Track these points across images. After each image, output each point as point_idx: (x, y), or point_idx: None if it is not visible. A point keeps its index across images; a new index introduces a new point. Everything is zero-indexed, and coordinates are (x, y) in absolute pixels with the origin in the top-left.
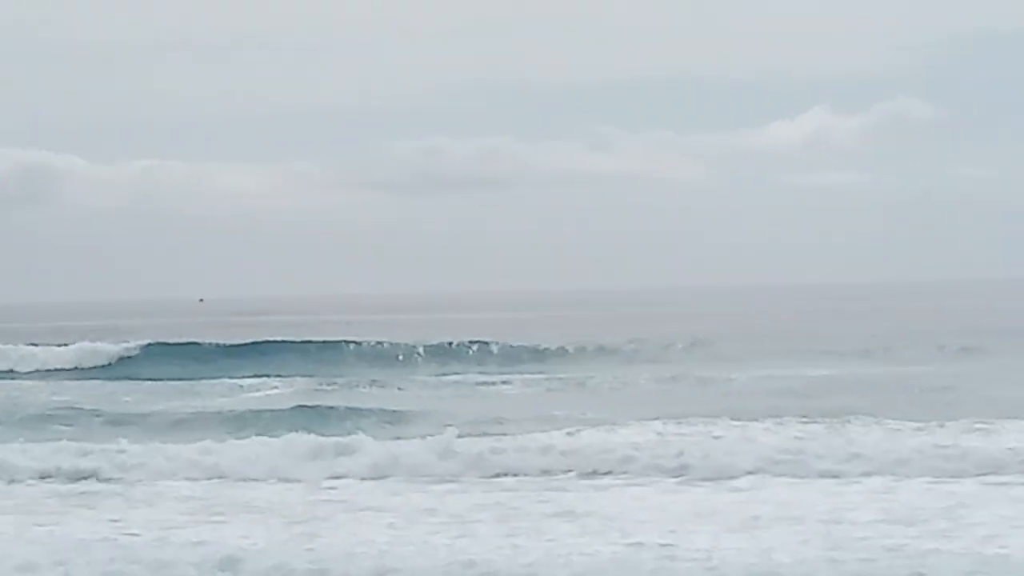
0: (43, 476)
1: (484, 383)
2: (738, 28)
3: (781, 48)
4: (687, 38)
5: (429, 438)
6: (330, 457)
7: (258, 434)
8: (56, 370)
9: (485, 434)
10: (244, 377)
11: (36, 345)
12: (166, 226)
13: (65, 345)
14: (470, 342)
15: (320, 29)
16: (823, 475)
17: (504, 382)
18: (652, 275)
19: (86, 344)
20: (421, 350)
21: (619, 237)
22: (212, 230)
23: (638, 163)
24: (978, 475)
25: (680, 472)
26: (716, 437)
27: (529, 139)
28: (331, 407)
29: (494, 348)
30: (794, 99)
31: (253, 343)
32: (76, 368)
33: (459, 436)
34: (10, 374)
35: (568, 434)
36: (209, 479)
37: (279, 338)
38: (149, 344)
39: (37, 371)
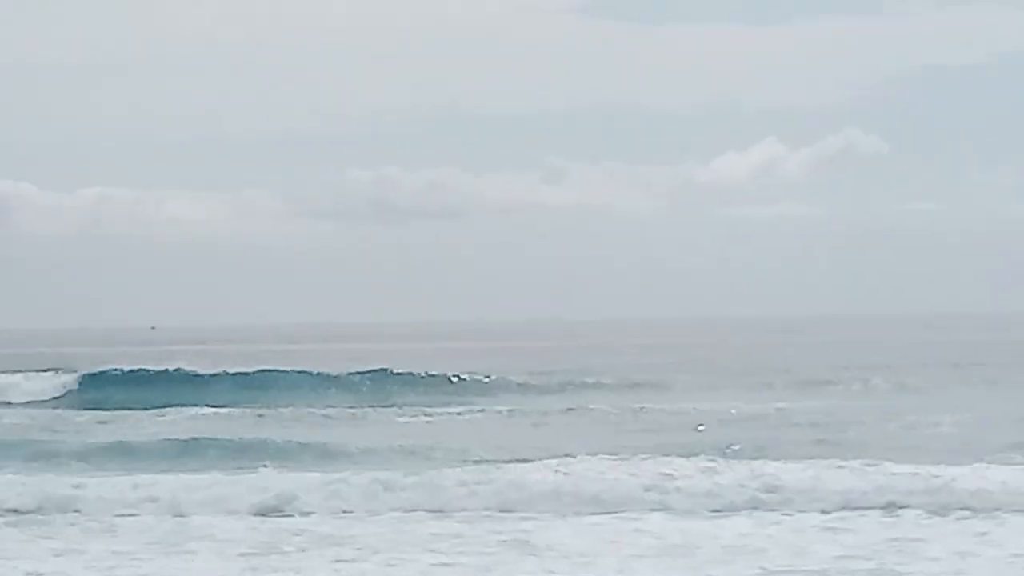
0: None
1: (416, 415)
2: (689, 60)
3: (731, 80)
4: (638, 69)
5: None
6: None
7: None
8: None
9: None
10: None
11: None
12: (117, 254)
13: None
14: (404, 373)
15: (271, 57)
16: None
17: (428, 414)
18: (601, 305)
19: (31, 373)
20: (359, 380)
21: (569, 267)
22: (163, 258)
23: (589, 194)
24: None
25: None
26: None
27: (480, 169)
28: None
29: (431, 378)
30: (744, 131)
31: (194, 374)
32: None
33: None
34: None
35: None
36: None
37: (218, 369)
38: (92, 373)
39: None
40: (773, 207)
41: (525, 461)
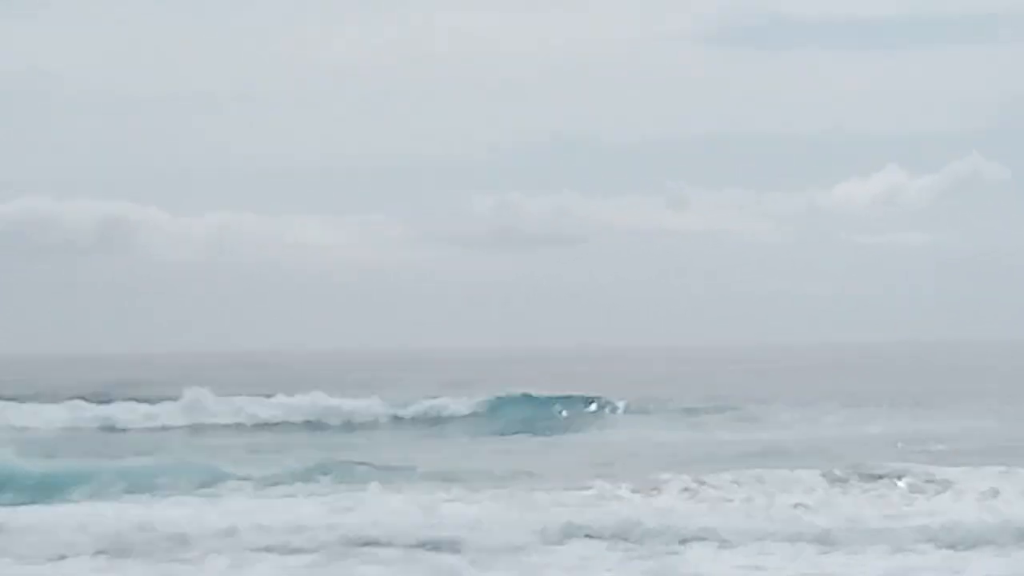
0: None
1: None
2: (810, 86)
3: (852, 107)
4: (761, 96)
5: None
6: None
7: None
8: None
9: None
10: None
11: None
12: (242, 278)
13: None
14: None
15: (395, 84)
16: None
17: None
18: (722, 332)
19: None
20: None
21: (691, 294)
22: (287, 282)
23: (711, 220)
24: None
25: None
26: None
27: (603, 195)
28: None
29: (552, 402)
30: (865, 158)
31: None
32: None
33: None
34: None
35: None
36: None
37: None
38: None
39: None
40: (895, 234)
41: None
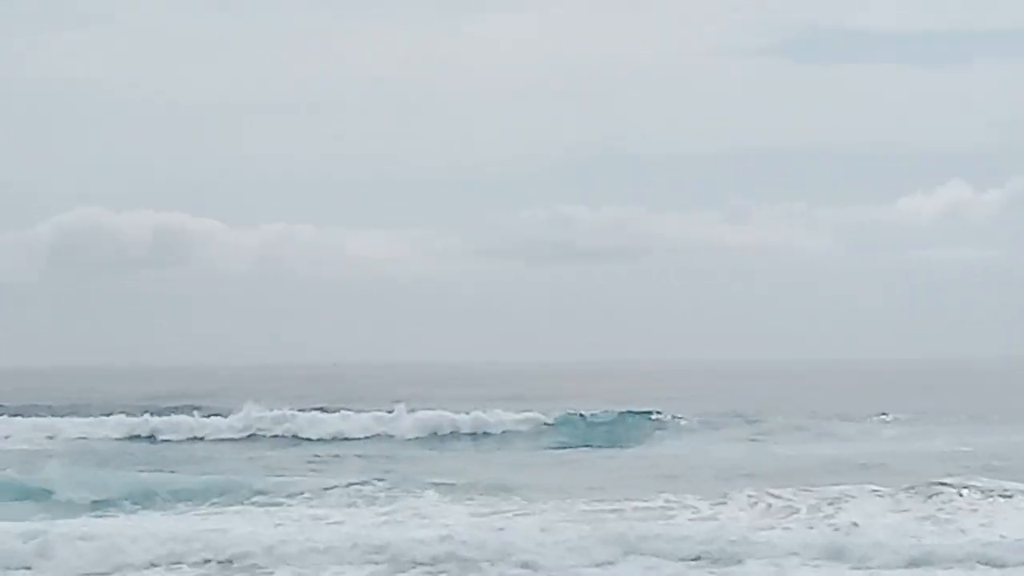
0: None
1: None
2: (871, 100)
3: (914, 121)
4: (821, 109)
5: None
6: None
7: None
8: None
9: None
10: None
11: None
12: (298, 289)
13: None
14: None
15: (451, 96)
16: None
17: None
18: (782, 346)
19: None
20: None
21: (750, 308)
22: (343, 294)
23: (771, 234)
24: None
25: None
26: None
27: (660, 208)
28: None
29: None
30: (928, 172)
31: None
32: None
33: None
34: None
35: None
36: None
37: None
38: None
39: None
40: (959, 249)
41: None
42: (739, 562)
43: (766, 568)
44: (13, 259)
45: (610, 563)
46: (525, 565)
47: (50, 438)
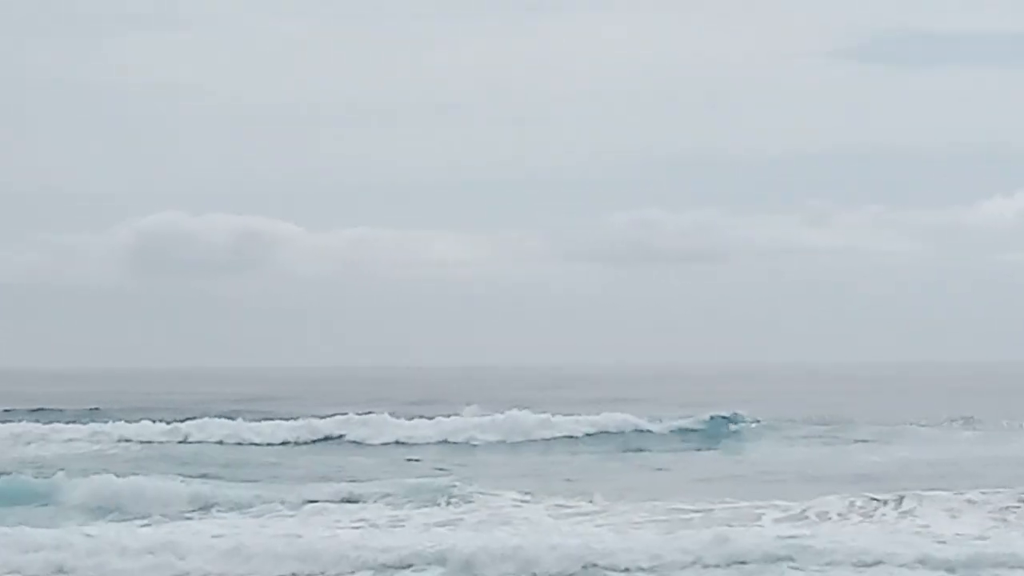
0: None
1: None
2: (951, 102)
3: (995, 123)
4: (901, 112)
5: None
6: None
7: None
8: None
9: None
10: None
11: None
12: (379, 293)
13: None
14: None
15: (533, 100)
16: None
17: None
18: (861, 350)
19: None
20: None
21: (829, 311)
22: (425, 297)
23: (851, 237)
24: None
25: None
26: None
27: (741, 211)
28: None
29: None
30: (1011, 174)
31: None
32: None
33: None
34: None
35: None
36: None
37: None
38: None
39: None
40: None
41: None
42: (829, 563)
43: (859, 573)
44: (93, 262)
45: (716, 566)
46: (619, 567)
47: (129, 441)
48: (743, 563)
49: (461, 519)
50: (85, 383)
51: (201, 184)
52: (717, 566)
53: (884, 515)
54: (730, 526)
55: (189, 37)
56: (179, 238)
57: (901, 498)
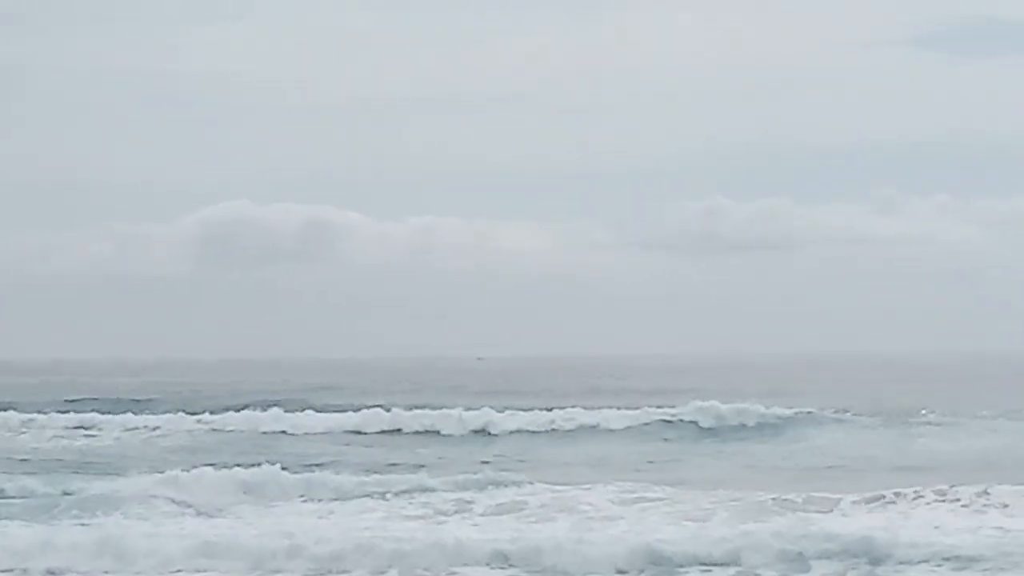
0: None
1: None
2: (1020, 91)
3: None
4: (970, 101)
5: None
6: None
7: None
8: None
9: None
10: None
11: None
12: (444, 282)
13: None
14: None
15: (602, 90)
16: None
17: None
18: (930, 339)
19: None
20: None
21: (896, 300)
22: (489, 287)
23: (919, 226)
24: None
25: None
26: None
27: (809, 200)
28: None
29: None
30: None
31: None
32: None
33: None
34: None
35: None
36: None
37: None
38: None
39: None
40: None
41: None
42: (903, 563)
43: (941, 567)
44: (160, 252)
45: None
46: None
47: (210, 429)
48: (826, 557)
49: (525, 504)
50: (159, 373)
51: (268, 174)
52: (797, 556)
53: (966, 505)
54: (806, 513)
55: (257, 30)
56: (246, 228)
57: (985, 490)
